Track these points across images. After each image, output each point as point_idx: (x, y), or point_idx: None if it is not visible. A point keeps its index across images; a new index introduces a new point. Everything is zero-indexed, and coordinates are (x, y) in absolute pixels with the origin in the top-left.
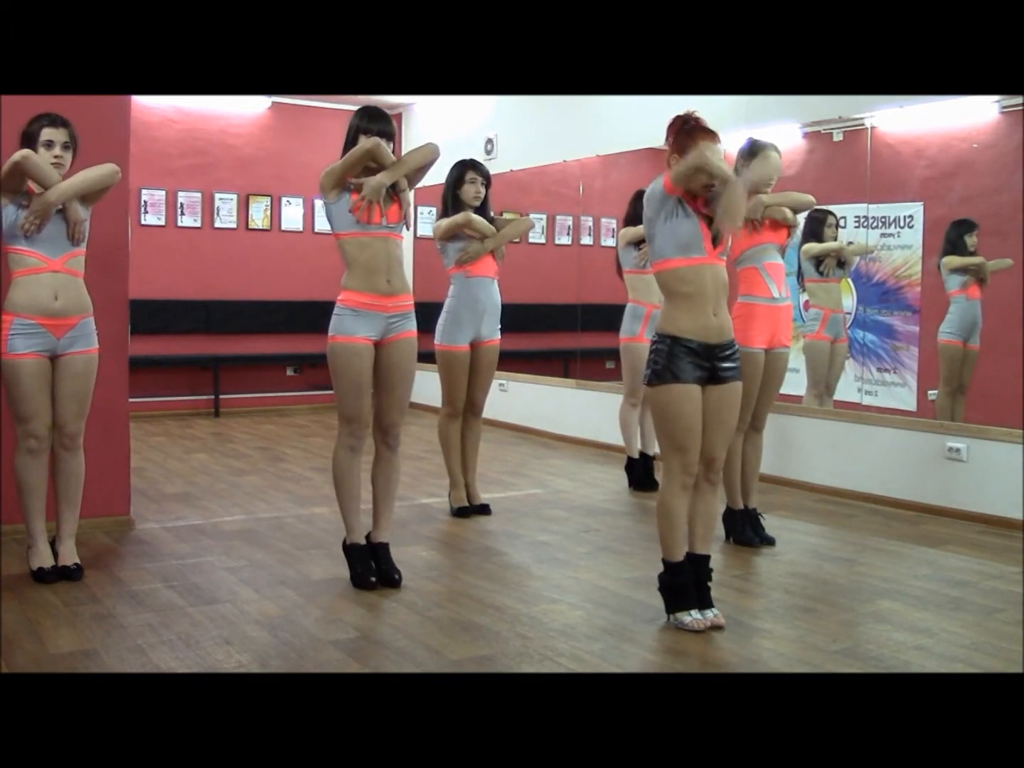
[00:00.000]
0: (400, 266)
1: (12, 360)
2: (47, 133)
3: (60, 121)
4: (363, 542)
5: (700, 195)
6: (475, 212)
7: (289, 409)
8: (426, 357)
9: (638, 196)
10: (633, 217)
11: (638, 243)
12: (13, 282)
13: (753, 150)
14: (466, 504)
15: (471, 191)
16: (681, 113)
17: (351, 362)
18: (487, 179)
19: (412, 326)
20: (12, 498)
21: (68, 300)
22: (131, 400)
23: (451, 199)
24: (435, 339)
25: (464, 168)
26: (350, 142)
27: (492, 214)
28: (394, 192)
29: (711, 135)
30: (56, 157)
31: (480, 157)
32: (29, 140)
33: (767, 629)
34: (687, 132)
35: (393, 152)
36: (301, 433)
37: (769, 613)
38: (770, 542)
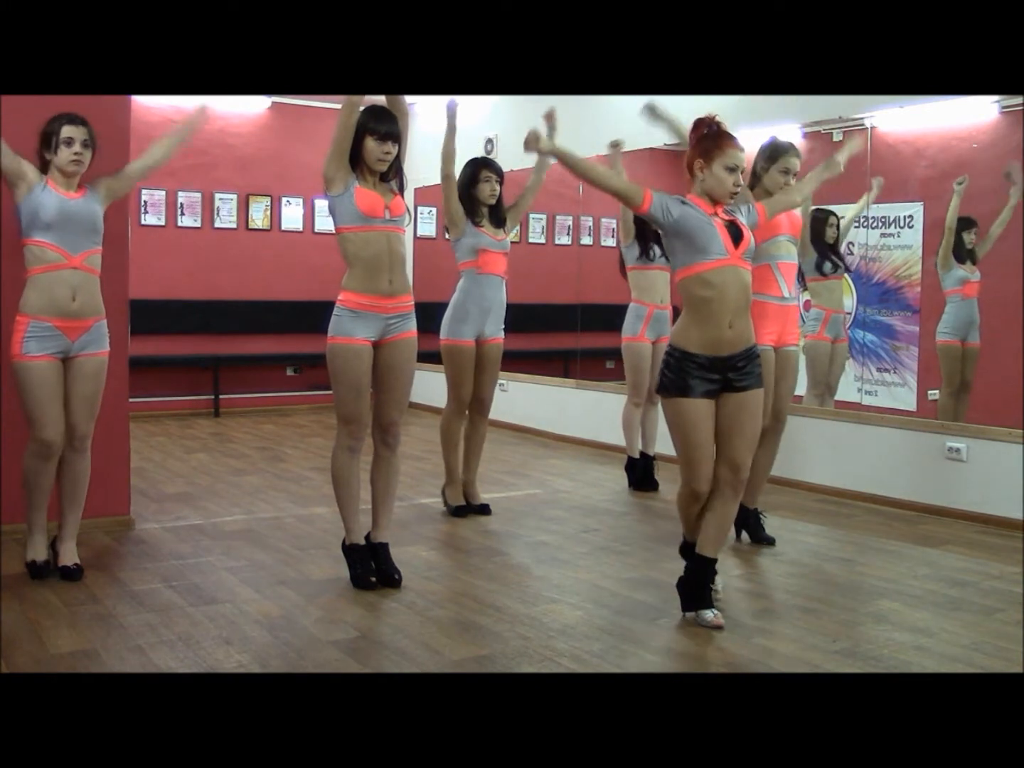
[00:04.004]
0: (402, 264)
1: (27, 363)
2: (67, 130)
3: (79, 120)
4: (363, 542)
5: (721, 202)
6: (490, 210)
7: (289, 409)
8: (426, 357)
9: None
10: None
11: (639, 238)
12: (30, 280)
13: (773, 154)
14: (463, 503)
15: (486, 189)
16: (703, 116)
17: (350, 363)
18: (501, 176)
19: (412, 326)
20: (12, 498)
21: (85, 301)
22: (131, 400)
23: (466, 198)
24: (440, 334)
25: (477, 167)
26: (357, 140)
27: (506, 214)
28: (398, 187)
29: (737, 144)
30: (76, 154)
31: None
32: (47, 140)
33: (767, 629)
34: (711, 137)
35: (401, 154)
36: (301, 433)
37: (769, 613)
38: (770, 542)
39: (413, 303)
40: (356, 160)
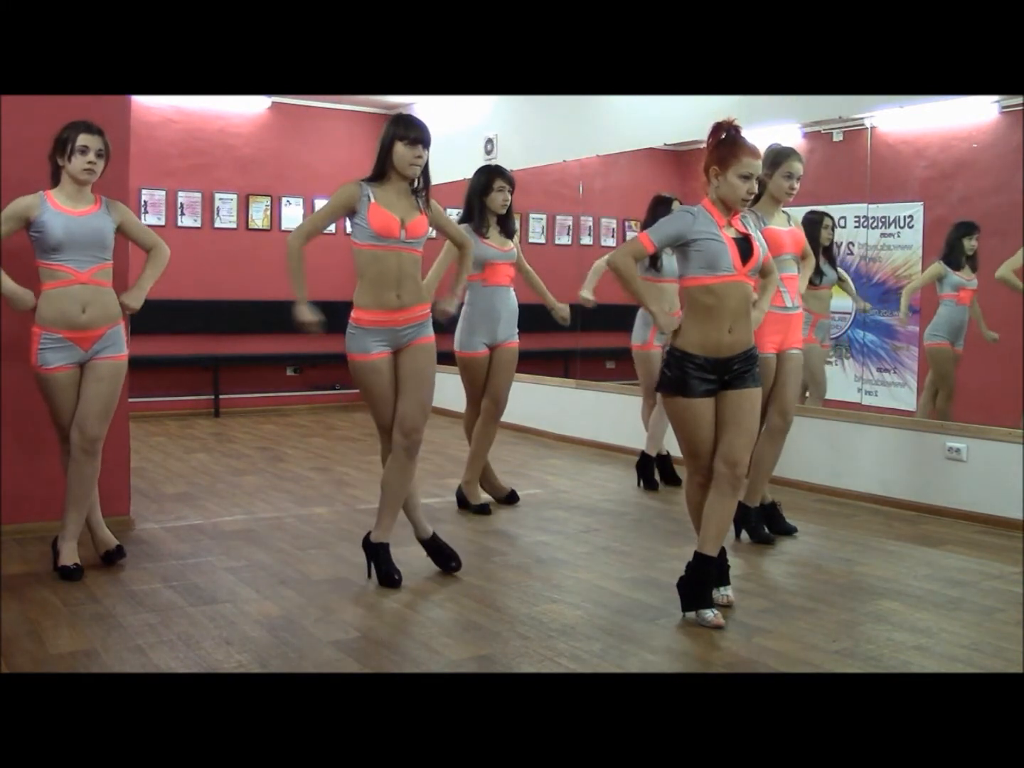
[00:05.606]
0: (413, 280)
1: (45, 374)
2: (83, 139)
3: (95, 128)
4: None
5: (735, 209)
6: (500, 220)
7: (289, 409)
8: (438, 358)
9: (659, 201)
10: (652, 223)
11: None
12: (42, 295)
13: (776, 160)
14: (504, 493)
15: (499, 199)
16: (722, 120)
17: (372, 378)
18: (513, 186)
19: (428, 332)
20: (12, 498)
21: (95, 313)
22: (131, 400)
23: (477, 206)
24: (454, 345)
25: (492, 176)
26: (385, 149)
27: (516, 226)
28: (423, 201)
29: (752, 152)
30: (90, 163)
31: (480, 157)
32: (62, 146)
33: (767, 629)
34: (728, 144)
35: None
36: (301, 433)
37: (769, 613)
38: (768, 541)
39: (429, 311)
40: (384, 170)
